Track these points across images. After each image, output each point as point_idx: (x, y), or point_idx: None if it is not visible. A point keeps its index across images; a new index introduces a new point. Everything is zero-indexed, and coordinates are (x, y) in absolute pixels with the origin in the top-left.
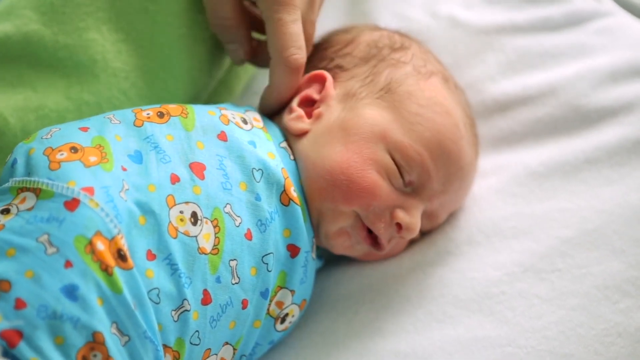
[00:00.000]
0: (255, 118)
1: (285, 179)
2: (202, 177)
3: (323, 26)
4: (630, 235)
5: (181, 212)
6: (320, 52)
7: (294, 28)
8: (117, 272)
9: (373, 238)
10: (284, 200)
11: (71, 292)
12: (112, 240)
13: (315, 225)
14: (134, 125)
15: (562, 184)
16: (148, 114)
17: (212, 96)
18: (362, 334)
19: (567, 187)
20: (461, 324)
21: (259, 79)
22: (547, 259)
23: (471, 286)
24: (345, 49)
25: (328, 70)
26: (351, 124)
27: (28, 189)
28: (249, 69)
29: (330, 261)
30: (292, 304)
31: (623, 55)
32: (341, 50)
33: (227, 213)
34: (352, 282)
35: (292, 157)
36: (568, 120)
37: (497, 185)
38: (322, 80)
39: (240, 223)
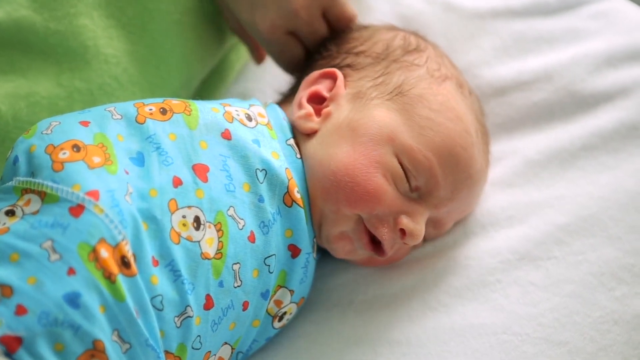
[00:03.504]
0: (260, 113)
1: (289, 180)
2: (205, 180)
3: None
4: (626, 222)
5: (184, 216)
6: (336, 48)
7: None
8: (120, 280)
9: (375, 244)
10: (287, 201)
11: (73, 299)
12: (116, 247)
13: (317, 227)
14: (136, 121)
15: (559, 172)
16: (150, 109)
17: (204, 83)
18: (356, 323)
19: (563, 175)
20: (456, 312)
21: (251, 66)
22: (543, 246)
23: (466, 274)
24: (360, 47)
25: (340, 68)
26: (359, 125)
27: (32, 191)
28: (242, 57)
29: (326, 251)
30: (291, 302)
31: (619, 39)
32: (355, 48)
33: (230, 216)
34: (347, 272)
35: (298, 155)
36: (564, 105)
37: (494, 176)
38: (333, 78)
39: (243, 226)
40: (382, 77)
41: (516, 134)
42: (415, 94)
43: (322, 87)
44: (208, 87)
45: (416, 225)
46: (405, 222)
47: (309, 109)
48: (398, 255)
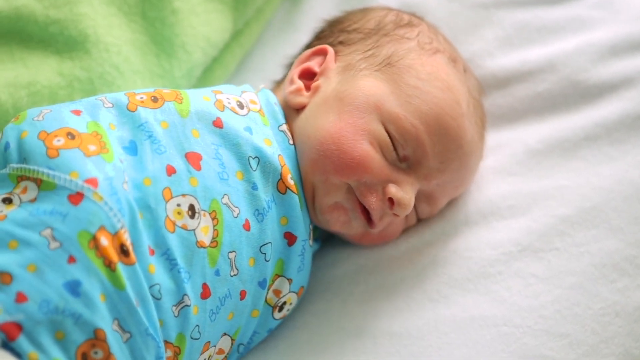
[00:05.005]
0: (252, 100)
1: (282, 167)
2: (199, 168)
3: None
4: (629, 213)
5: (178, 205)
6: (330, 29)
7: None
8: (120, 268)
9: (368, 213)
10: (281, 188)
11: (74, 288)
12: (115, 235)
13: (311, 202)
14: (127, 109)
15: (561, 161)
16: (141, 97)
17: (206, 72)
18: (356, 314)
19: (566, 165)
20: (456, 304)
21: (253, 55)
22: (544, 238)
23: (467, 266)
24: (353, 25)
25: (332, 45)
26: (346, 94)
27: (28, 178)
28: (244, 46)
29: (326, 242)
30: (290, 292)
31: (623, 29)
32: (349, 27)
33: (224, 204)
34: (347, 263)
35: (291, 141)
36: (567, 95)
37: (495, 164)
38: (324, 54)
39: (238, 214)
40: (372, 50)
41: (519, 124)
42: (404, 65)
43: (314, 64)
44: (210, 76)
45: (405, 194)
46: (393, 190)
47: (299, 84)
48: (391, 232)
